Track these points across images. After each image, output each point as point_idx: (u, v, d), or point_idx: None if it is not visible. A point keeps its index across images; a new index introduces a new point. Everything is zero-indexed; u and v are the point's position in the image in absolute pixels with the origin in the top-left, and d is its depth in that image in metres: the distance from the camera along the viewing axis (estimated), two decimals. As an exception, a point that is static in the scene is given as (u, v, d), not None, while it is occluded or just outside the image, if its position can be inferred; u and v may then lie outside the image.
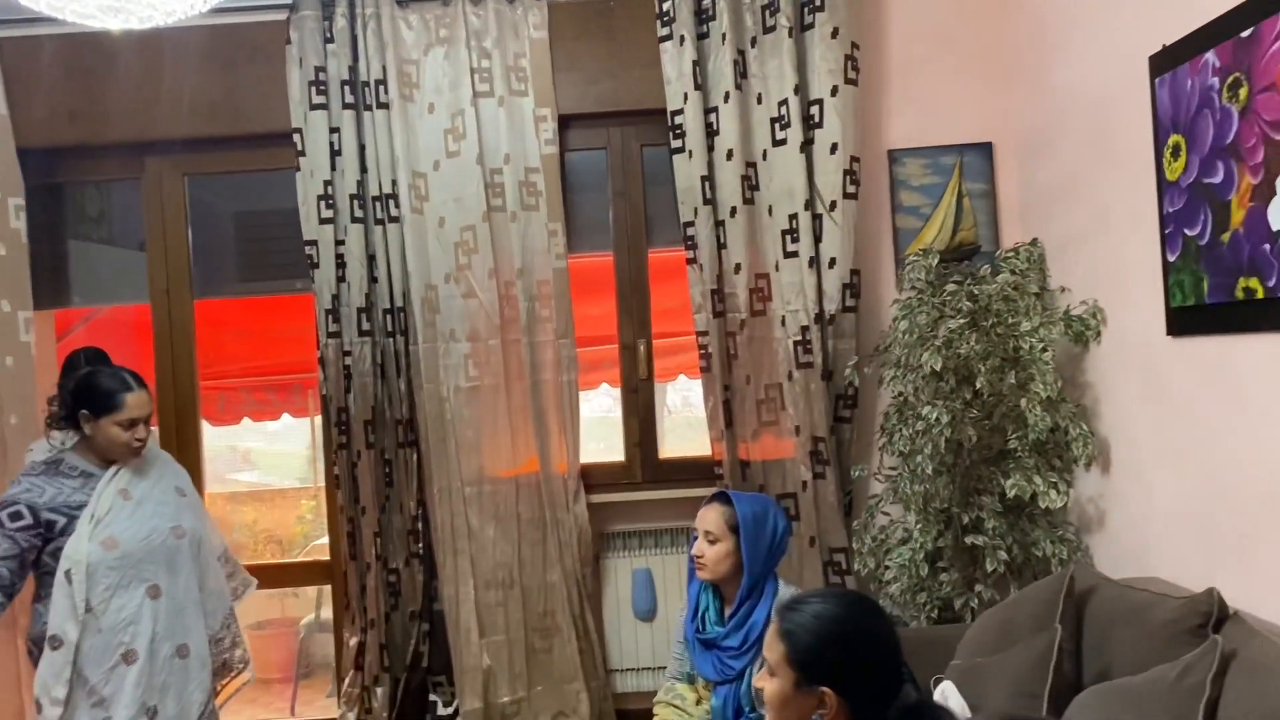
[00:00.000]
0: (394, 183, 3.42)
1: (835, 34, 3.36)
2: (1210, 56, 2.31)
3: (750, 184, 3.44)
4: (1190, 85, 2.39)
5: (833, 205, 3.38)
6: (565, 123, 3.55)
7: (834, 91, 3.36)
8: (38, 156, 3.55)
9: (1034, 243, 3.26)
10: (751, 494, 2.90)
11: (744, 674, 2.59)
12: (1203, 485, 2.46)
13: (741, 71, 3.42)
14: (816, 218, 3.40)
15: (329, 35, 3.43)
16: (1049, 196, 3.27)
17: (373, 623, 3.45)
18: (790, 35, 3.36)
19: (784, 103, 3.38)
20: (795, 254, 3.40)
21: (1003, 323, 2.99)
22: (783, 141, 3.40)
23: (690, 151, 3.41)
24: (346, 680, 3.50)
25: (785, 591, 2.65)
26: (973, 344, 2.92)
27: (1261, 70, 2.13)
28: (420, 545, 3.48)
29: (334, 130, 3.44)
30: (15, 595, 2.62)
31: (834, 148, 3.37)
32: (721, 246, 3.45)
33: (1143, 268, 2.65)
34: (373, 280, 3.46)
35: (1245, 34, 2.17)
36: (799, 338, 3.39)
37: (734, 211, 3.42)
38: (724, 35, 3.39)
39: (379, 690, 3.45)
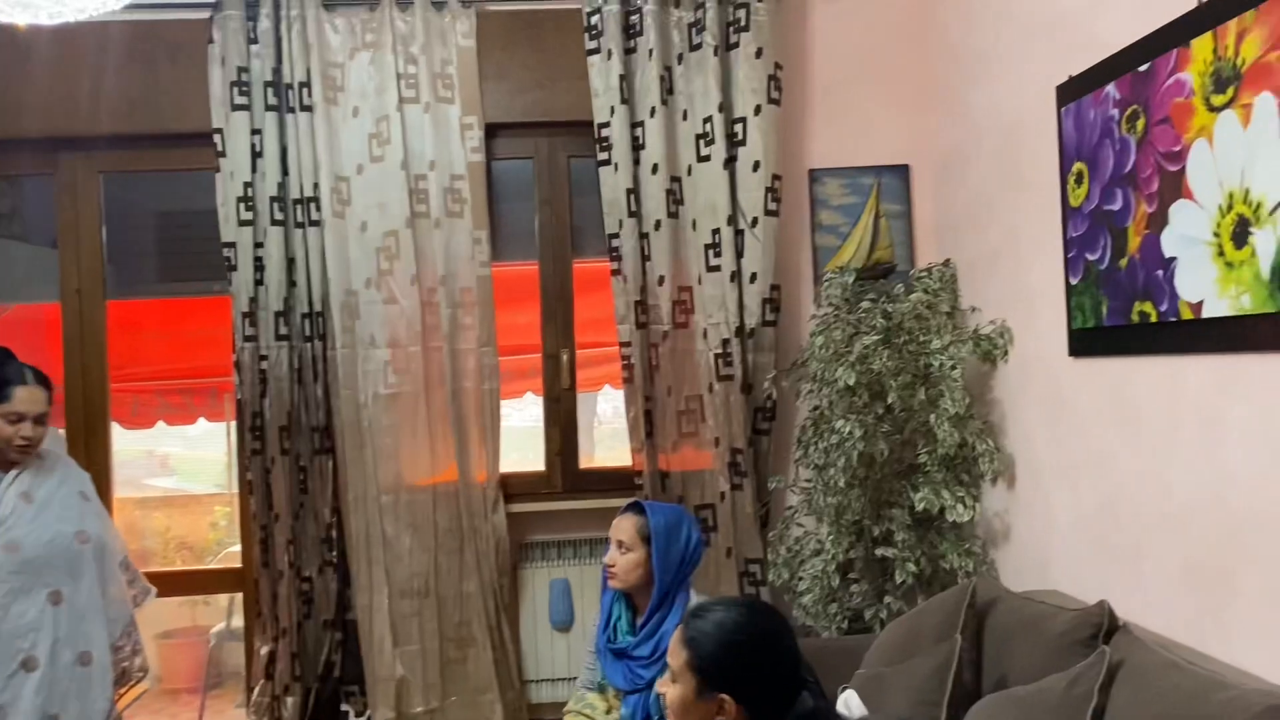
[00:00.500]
0: (316, 186, 3.39)
1: (759, 54, 3.42)
2: (1111, 89, 2.40)
3: (675, 198, 3.48)
4: (1093, 115, 2.49)
5: (754, 222, 3.43)
6: (492, 131, 3.55)
7: (757, 110, 3.42)
8: (-53, 150, 3.45)
9: (947, 263, 3.35)
10: (666, 505, 2.92)
11: (654, 683, 2.60)
12: (1098, 501, 2.55)
13: (668, 87, 3.46)
14: (739, 233, 3.45)
15: (253, 36, 3.39)
16: (962, 219, 3.36)
17: (284, 631, 3.40)
18: (715, 54, 3.42)
19: (708, 120, 3.43)
20: (718, 268, 3.45)
21: (915, 340, 3.07)
22: (707, 158, 3.45)
23: (616, 164, 3.45)
24: (256, 690, 3.44)
25: (696, 602, 2.67)
26: (885, 360, 2.99)
27: (1157, 103, 2.22)
28: (334, 553, 3.44)
29: (255, 132, 3.39)
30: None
31: (756, 165, 3.43)
32: (646, 259, 3.48)
33: (1047, 290, 2.74)
34: (291, 284, 3.42)
35: (1143, 68, 2.27)
36: (720, 350, 3.44)
37: (658, 225, 3.46)
38: (651, 51, 3.43)
39: (289, 700, 3.40)
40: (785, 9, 3.54)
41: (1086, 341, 2.58)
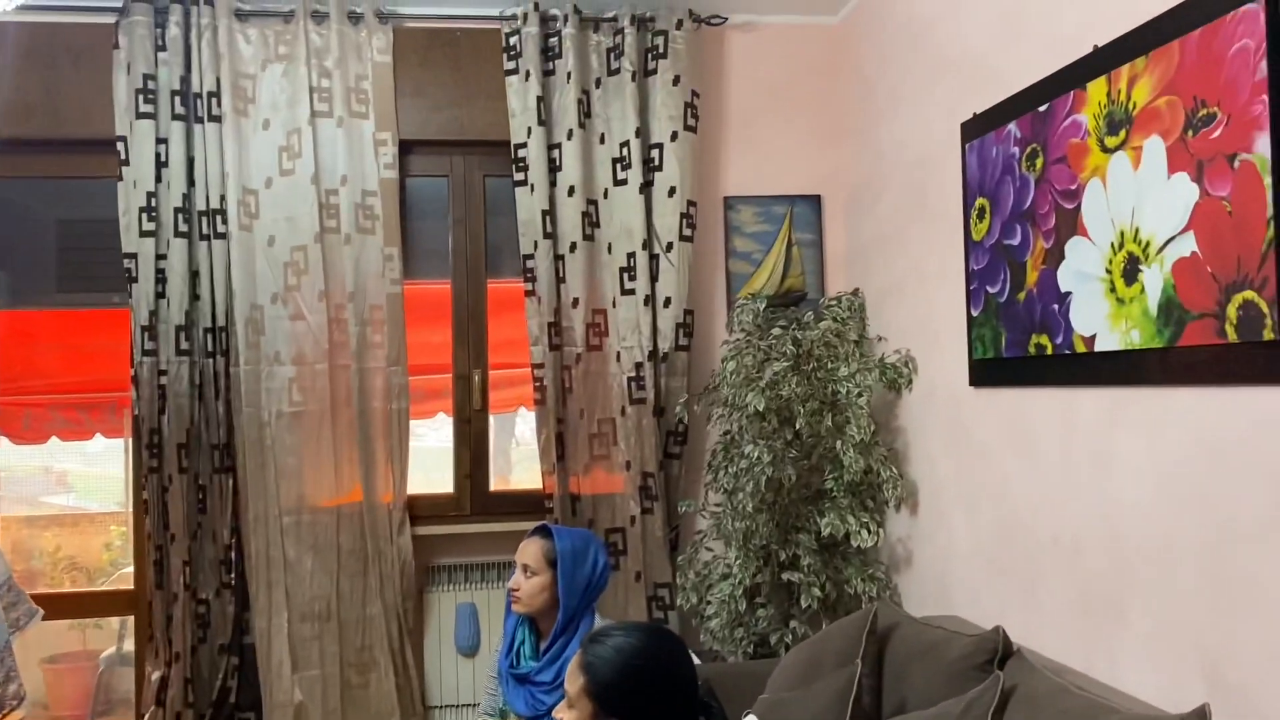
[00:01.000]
0: (223, 198, 3.31)
1: (677, 81, 3.46)
2: (1013, 127, 2.48)
3: (591, 221, 3.48)
4: (995, 153, 2.56)
5: (669, 246, 3.45)
6: (407, 148, 3.52)
7: (674, 137, 3.45)
8: None
9: (855, 292, 3.41)
10: (574, 529, 2.91)
11: (556, 709, 2.58)
12: (996, 528, 2.61)
13: (586, 111, 3.47)
14: (654, 257, 3.47)
15: (161, 43, 3.31)
16: (871, 249, 3.43)
17: (178, 656, 3.28)
18: (634, 80, 3.44)
19: (625, 144, 3.45)
20: (632, 292, 3.45)
21: (823, 367, 3.11)
22: (623, 182, 3.46)
23: (532, 185, 3.44)
24: (147, 716, 3.31)
25: (597, 627, 2.66)
26: (795, 387, 3.02)
27: (1055, 143, 2.30)
28: (233, 575, 3.34)
29: (161, 141, 3.30)
30: None
31: (672, 191, 3.45)
32: (561, 281, 3.47)
33: (950, 321, 2.81)
34: (195, 298, 3.33)
35: (1042, 109, 2.35)
36: (633, 374, 3.44)
37: (574, 247, 3.46)
38: (569, 74, 3.44)
39: (181, 727, 3.28)
40: (703, 38, 3.58)
41: (986, 372, 2.65)
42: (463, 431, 3.63)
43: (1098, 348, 2.15)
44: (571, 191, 3.45)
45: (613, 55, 3.48)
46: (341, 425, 3.37)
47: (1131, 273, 2.03)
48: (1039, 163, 2.36)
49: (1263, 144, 1.70)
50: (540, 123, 3.42)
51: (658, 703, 1.71)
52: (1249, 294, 1.73)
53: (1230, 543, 1.80)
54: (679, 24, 3.48)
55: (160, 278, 3.30)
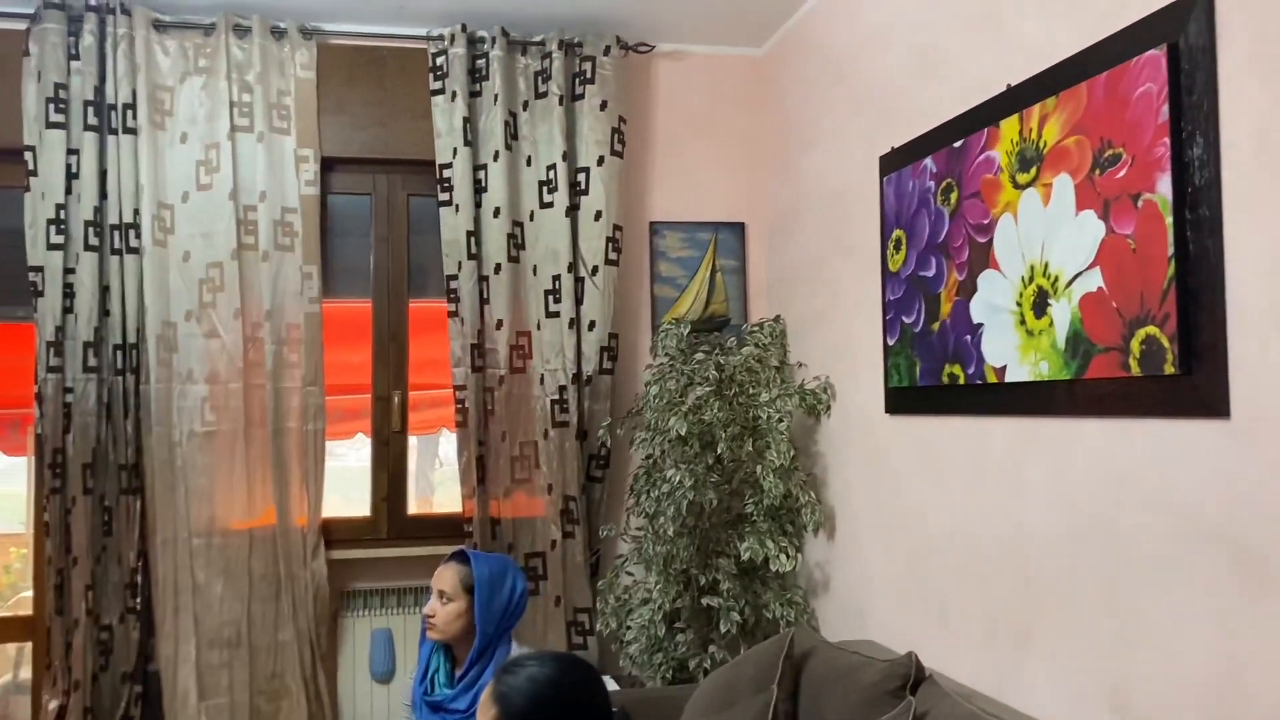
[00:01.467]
0: (136, 212, 3.23)
1: (604, 107, 3.47)
2: (929, 162, 2.54)
3: (516, 243, 3.47)
4: (912, 186, 2.62)
5: (595, 270, 3.46)
6: (329, 165, 3.47)
7: (600, 161, 3.46)
8: None
9: (777, 319, 3.46)
10: (492, 554, 2.88)
11: (471, 737, 2.54)
12: (910, 554, 2.65)
13: (512, 133, 3.47)
14: (579, 280, 3.47)
15: (74, 52, 3.22)
16: (792, 277, 3.48)
17: (78, 684, 3.16)
18: (561, 103, 3.45)
19: (552, 167, 3.45)
20: (557, 314, 3.45)
21: (744, 393, 3.14)
22: (550, 204, 3.46)
23: (457, 205, 3.42)
24: (42, 748, 3.18)
25: (511, 656, 2.63)
26: (717, 411, 3.04)
27: (969, 178, 2.36)
28: (138, 600, 3.24)
29: (72, 152, 3.21)
30: None
31: (598, 215, 3.46)
32: (485, 302, 3.45)
33: (867, 349, 2.86)
34: (104, 313, 3.23)
35: (958, 144, 2.41)
36: (556, 397, 3.43)
37: (499, 268, 3.44)
38: (496, 96, 3.43)
39: (80, 759, 3.16)
40: (631, 65, 3.61)
41: (902, 400, 2.69)
42: (381, 453, 3.58)
43: (1008, 378, 2.21)
44: (497, 213, 3.43)
45: (540, 79, 3.49)
46: (255, 446, 3.30)
47: (1041, 306, 2.09)
48: (954, 197, 2.42)
49: (1164, 185, 1.76)
50: (466, 143, 3.41)
51: (571, 733, 1.70)
52: (1151, 329, 1.79)
53: (1130, 572, 1.86)
54: (606, 50, 3.50)
55: (68, 292, 3.20)
